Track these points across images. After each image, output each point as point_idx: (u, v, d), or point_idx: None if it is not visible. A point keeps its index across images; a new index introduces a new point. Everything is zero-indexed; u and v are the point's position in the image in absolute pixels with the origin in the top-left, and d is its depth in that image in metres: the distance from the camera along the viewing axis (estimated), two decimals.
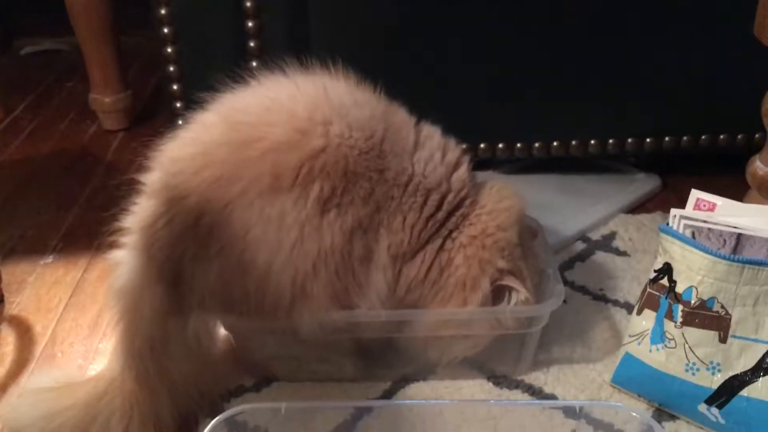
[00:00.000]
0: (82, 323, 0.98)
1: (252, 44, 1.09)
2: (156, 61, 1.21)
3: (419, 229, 0.80)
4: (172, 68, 1.12)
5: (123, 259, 0.78)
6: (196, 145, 0.78)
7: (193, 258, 0.75)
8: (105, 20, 1.44)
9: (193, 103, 0.81)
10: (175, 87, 1.13)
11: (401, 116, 0.83)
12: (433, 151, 0.81)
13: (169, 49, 1.11)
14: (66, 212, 1.23)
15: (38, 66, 1.86)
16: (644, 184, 1.22)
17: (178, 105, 1.14)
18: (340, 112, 0.77)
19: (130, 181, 0.80)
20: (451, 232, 0.81)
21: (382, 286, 0.79)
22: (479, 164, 0.91)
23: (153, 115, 1.58)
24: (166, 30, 1.10)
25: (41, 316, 0.99)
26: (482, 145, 1.17)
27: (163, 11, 1.09)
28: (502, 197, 0.84)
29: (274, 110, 0.77)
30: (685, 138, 1.18)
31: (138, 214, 0.78)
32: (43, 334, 0.96)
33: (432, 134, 0.83)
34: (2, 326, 0.97)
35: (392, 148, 0.79)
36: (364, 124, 0.78)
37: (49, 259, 1.11)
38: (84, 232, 1.17)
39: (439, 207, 0.81)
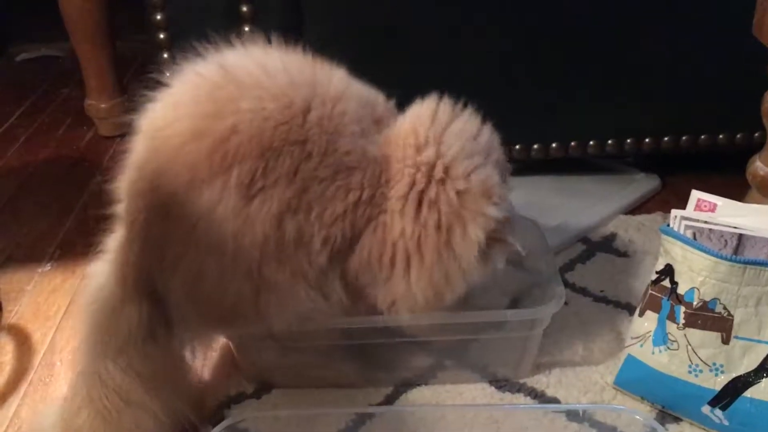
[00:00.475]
0: None
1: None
2: (152, 66, 1.21)
3: (350, 219, 0.74)
4: (168, 74, 1.11)
5: (100, 274, 0.77)
6: (130, 170, 0.76)
7: (158, 274, 0.75)
8: (100, 26, 1.44)
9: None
10: None
11: (339, 85, 0.75)
12: (364, 124, 0.75)
13: (165, 55, 1.10)
14: (63, 219, 1.23)
15: (34, 72, 1.85)
16: (643, 184, 1.22)
17: None
18: (247, 86, 0.72)
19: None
20: (381, 205, 0.75)
21: (334, 280, 0.75)
22: None
23: None
24: (161, 36, 1.09)
25: (40, 324, 0.99)
26: None
27: (158, 16, 1.08)
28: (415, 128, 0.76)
29: (180, 105, 0.74)
30: (684, 138, 1.18)
31: (113, 239, 0.79)
32: (41, 342, 0.95)
33: (371, 100, 0.77)
34: (1, 335, 0.97)
35: (320, 120, 0.72)
36: (278, 93, 0.72)
37: (47, 266, 1.11)
38: (81, 239, 1.17)
39: (362, 186, 0.74)
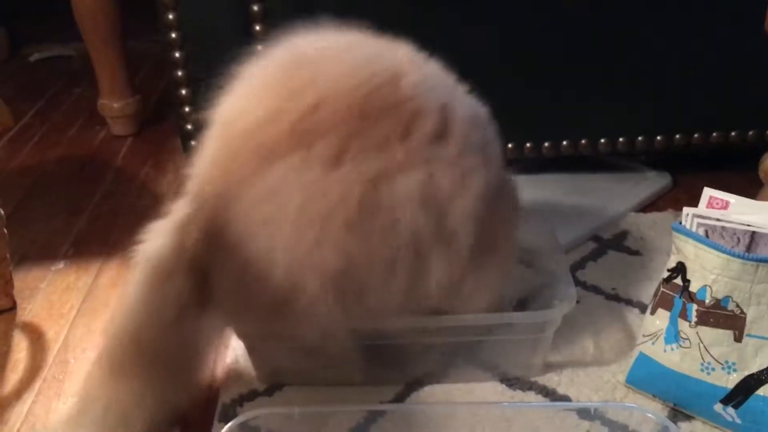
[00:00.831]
0: (94, 329, 0.98)
1: (260, 48, 1.09)
2: (163, 65, 1.21)
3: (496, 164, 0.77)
4: (180, 73, 1.12)
5: (162, 235, 0.76)
6: (204, 158, 0.76)
7: (214, 258, 0.74)
8: (112, 26, 1.45)
9: (200, 107, 0.81)
10: (183, 92, 1.13)
11: (409, 52, 0.77)
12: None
13: (176, 54, 1.11)
14: (76, 218, 1.24)
15: (47, 72, 1.87)
16: (655, 182, 1.21)
17: (187, 110, 1.14)
18: (327, 60, 0.72)
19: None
20: None
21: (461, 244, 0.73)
22: None
23: (161, 120, 1.58)
24: (173, 35, 1.10)
25: (53, 322, 0.99)
26: None
27: (170, 16, 1.09)
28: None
29: (253, 92, 0.74)
30: (695, 135, 1.17)
31: (182, 203, 0.78)
32: (55, 340, 0.96)
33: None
34: (15, 333, 0.98)
35: (421, 82, 0.73)
36: (361, 64, 0.71)
37: (61, 264, 1.12)
38: (94, 238, 1.18)
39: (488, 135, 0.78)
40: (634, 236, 1.10)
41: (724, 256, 0.73)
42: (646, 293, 0.96)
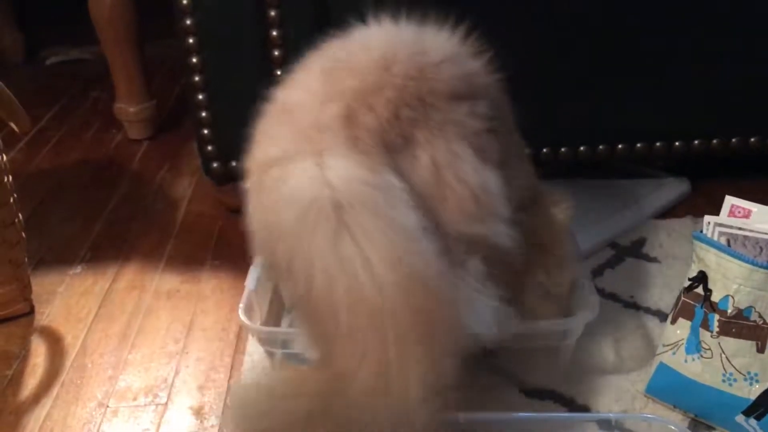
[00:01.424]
0: (111, 333, 0.98)
1: (276, 53, 1.09)
2: (179, 70, 1.22)
3: None
4: (197, 78, 1.12)
5: None
6: None
7: None
8: (129, 30, 1.45)
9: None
10: (200, 96, 1.13)
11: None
12: None
13: (194, 59, 1.11)
14: (93, 222, 1.24)
15: (64, 76, 1.88)
16: (673, 188, 1.20)
17: (204, 114, 1.14)
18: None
19: None
20: None
21: None
22: None
23: (177, 124, 1.59)
24: (191, 40, 1.10)
25: (71, 326, 1.00)
26: None
27: (188, 21, 1.09)
28: None
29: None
30: (714, 141, 1.16)
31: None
32: (73, 344, 0.96)
33: None
34: (33, 337, 0.98)
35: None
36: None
37: (78, 269, 1.12)
38: (111, 242, 1.18)
39: None
40: (653, 243, 1.09)
41: (747, 265, 0.72)
42: (665, 301, 0.95)
